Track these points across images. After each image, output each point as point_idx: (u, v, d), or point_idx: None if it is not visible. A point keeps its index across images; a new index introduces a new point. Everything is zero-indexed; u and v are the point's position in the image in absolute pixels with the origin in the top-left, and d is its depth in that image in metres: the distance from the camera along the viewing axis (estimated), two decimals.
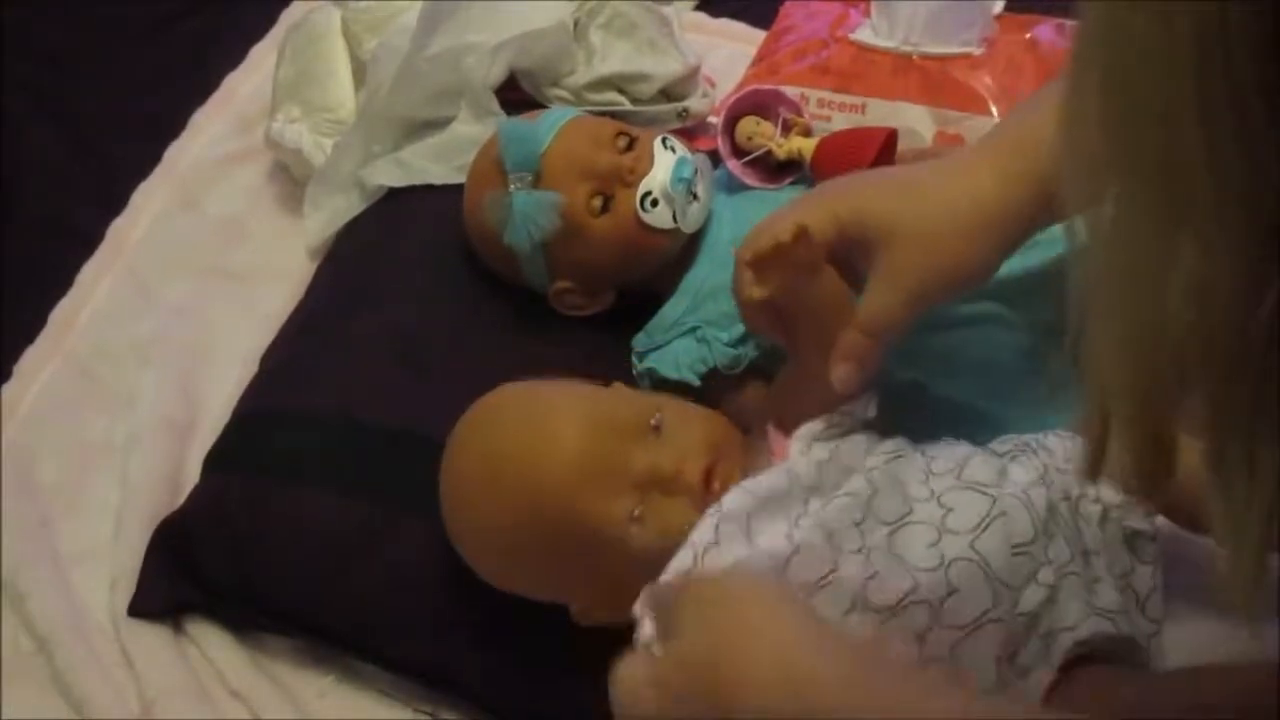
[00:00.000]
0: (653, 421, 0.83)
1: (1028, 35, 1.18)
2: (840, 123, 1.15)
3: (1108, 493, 0.82)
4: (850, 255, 0.82)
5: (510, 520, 0.83)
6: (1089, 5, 0.40)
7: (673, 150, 1.00)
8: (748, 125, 1.05)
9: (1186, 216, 0.39)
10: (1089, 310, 0.44)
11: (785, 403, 0.88)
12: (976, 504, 0.80)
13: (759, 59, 1.25)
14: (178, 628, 1.02)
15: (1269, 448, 0.42)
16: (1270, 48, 0.36)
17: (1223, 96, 0.37)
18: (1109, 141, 0.41)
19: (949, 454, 0.85)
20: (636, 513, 0.81)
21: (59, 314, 1.23)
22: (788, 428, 0.86)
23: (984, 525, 0.79)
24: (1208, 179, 0.38)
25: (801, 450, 0.84)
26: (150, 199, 1.31)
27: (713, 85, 1.27)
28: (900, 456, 0.84)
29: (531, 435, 0.84)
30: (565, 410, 0.84)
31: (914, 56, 1.17)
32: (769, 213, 1.01)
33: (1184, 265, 0.40)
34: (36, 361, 1.19)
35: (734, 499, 0.79)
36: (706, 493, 0.81)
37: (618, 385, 0.92)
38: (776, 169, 1.06)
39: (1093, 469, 0.48)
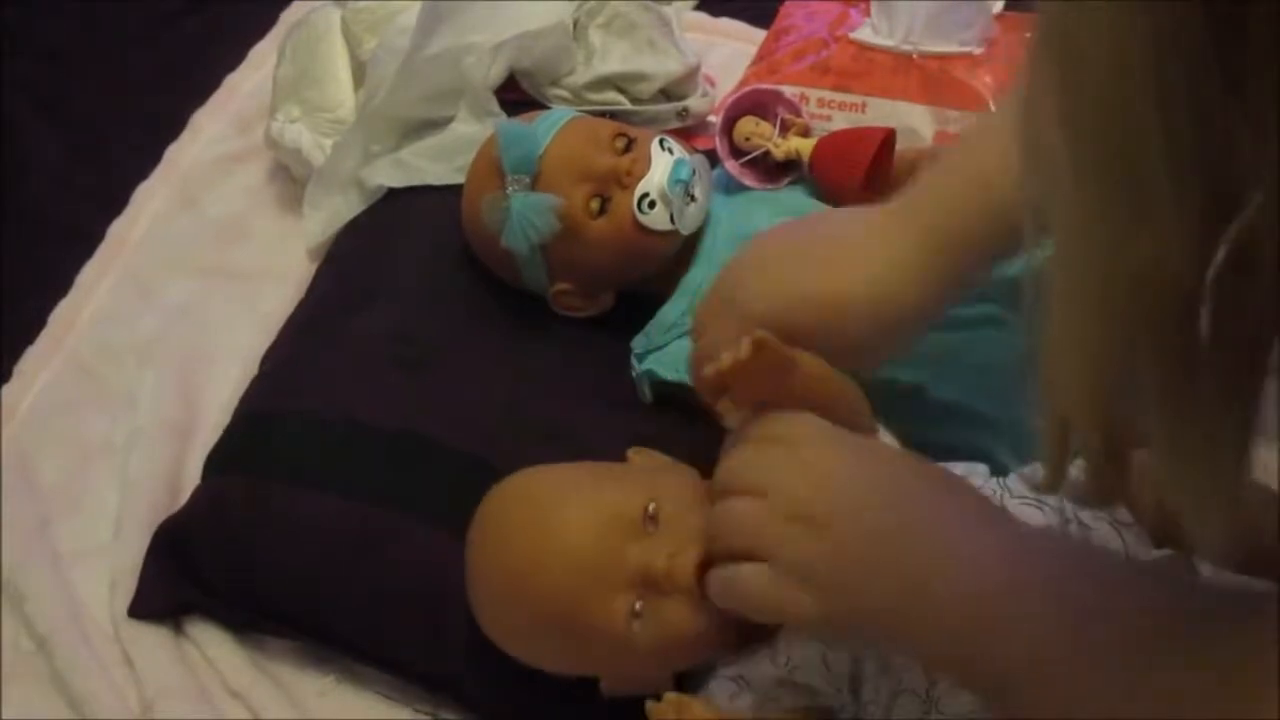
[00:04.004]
0: (649, 510, 0.81)
1: (1028, 34, 1.18)
2: (840, 122, 1.15)
3: (1123, 514, 0.80)
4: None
5: (525, 624, 0.84)
6: (1043, 4, 0.40)
7: (670, 151, 1.00)
8: (746, 125, 1.05)
9: (1143, 210, 0.40)
10: (1045, 321, 0.45)
11: None
12: None
13: (759, 58, 1.25)
14: (178, 628, 1.01)
15: (1224, 430, 0.43)
16: (1226, 36, 0.37)
17: (1180, 85, 0.38)
18: (1067, 137, 0.41)
19: None
20: (637, 607, 0.80)
21: (59, 314, 1.22)
22: None
23: None
24: (1164, 168, 0.39)
25: None
26: (150, 199, 1.31)
27: (713, 85, 1.26)
28: None
29: (532, 544, 0.82)
30: (563, 514, 0.83)
31: (914, 56, 1.17)
32: (767, 213, 1.02)
33: (1138, 259, 0.41)
34: (36, 361, 1.19)
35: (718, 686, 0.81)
36: (703, 586, 0.78)
37: (629, 461, 0.90)
38: (775, 169, 1.06)
39: (1053, 481, 0.50)
